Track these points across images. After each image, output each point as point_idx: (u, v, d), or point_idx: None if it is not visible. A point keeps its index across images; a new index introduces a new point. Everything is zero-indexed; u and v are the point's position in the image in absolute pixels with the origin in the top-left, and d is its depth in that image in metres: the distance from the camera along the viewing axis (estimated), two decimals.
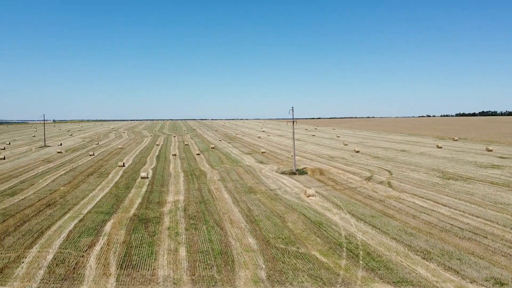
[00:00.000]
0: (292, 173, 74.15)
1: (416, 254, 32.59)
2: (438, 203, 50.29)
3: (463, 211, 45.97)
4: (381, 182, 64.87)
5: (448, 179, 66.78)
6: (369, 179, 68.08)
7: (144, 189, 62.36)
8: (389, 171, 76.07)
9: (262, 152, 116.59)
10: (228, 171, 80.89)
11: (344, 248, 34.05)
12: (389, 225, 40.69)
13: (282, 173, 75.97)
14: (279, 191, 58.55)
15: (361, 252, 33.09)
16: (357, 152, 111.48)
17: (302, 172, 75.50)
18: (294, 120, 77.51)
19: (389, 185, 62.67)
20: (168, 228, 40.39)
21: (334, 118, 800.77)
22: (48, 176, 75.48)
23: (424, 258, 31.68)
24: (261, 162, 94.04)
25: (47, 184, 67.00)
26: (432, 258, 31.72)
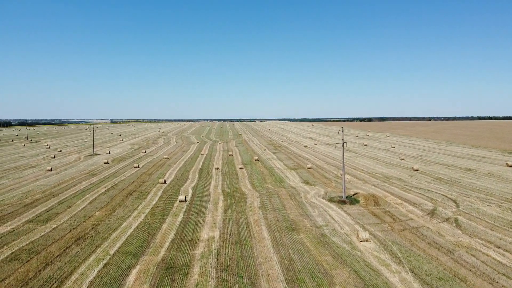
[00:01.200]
0: (341, 201, 66.45)
1: None
2: None
3: None
4: (447, 219, 55.63)
5: None
6: (432, 213, 58.90)
7: (179, 219, 58.15)
8: (454, 201, 66.08)
9: (308, 168, 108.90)
10: (270, 194, 74.79)
11: None
12: None
13: (330, 200, 68.53)
14: (326, 230, 51.48)
15: None
16: (416, 170, 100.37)
17: (353, 200, 67.50)
18: (344, 141, 69.66)
19: (457, 224, 53.42)
20: (196, 286, 35.20)
21: (386, 119, 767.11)
22: (87, 196, 73.97)
23: None
24: (307, 183, 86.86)
25: (83, 207, 65.02)
26: None
